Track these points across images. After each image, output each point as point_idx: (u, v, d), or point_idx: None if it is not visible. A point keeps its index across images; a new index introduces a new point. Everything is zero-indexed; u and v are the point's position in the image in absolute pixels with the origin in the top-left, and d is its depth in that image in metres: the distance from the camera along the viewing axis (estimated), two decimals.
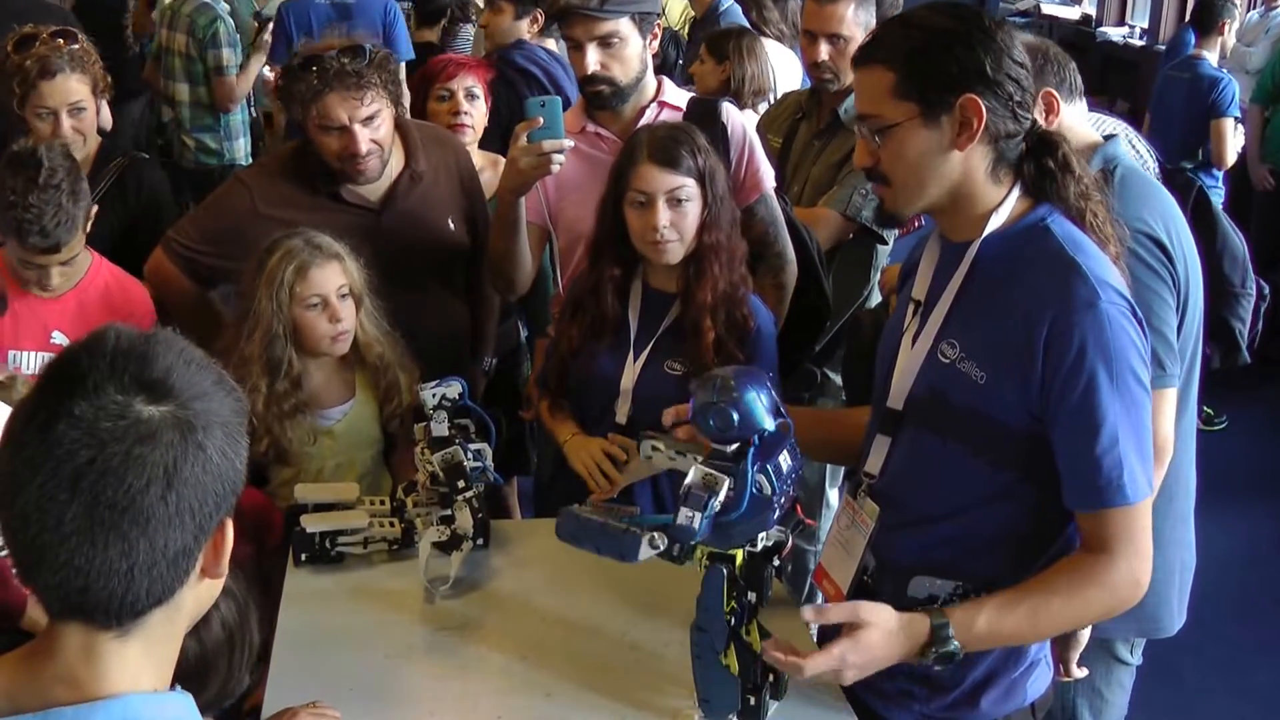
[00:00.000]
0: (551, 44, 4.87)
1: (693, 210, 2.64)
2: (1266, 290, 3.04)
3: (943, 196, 1.92)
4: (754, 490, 1.80)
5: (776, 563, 1.92)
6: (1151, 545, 1.89)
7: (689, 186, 2.63)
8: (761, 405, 1.80)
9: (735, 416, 1.78)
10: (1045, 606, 1.89)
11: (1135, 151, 3.40)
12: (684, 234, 2.65)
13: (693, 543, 1.86)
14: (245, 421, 1.22)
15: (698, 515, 1.78)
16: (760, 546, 1.89)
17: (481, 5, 6.29)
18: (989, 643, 1.92)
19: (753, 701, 1.92)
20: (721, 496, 1.79)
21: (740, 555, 1.88)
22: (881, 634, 1.85)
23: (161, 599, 1.16)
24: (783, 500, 1.85)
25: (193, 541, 1.15)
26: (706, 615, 1.90)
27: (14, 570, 1.16)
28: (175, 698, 1.22)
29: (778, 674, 1.97)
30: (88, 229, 2.93)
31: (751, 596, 1.92)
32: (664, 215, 2.62)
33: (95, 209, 2.99)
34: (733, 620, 1.90)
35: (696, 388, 1.85)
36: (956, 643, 1.86)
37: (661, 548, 1.85)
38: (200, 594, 1.22)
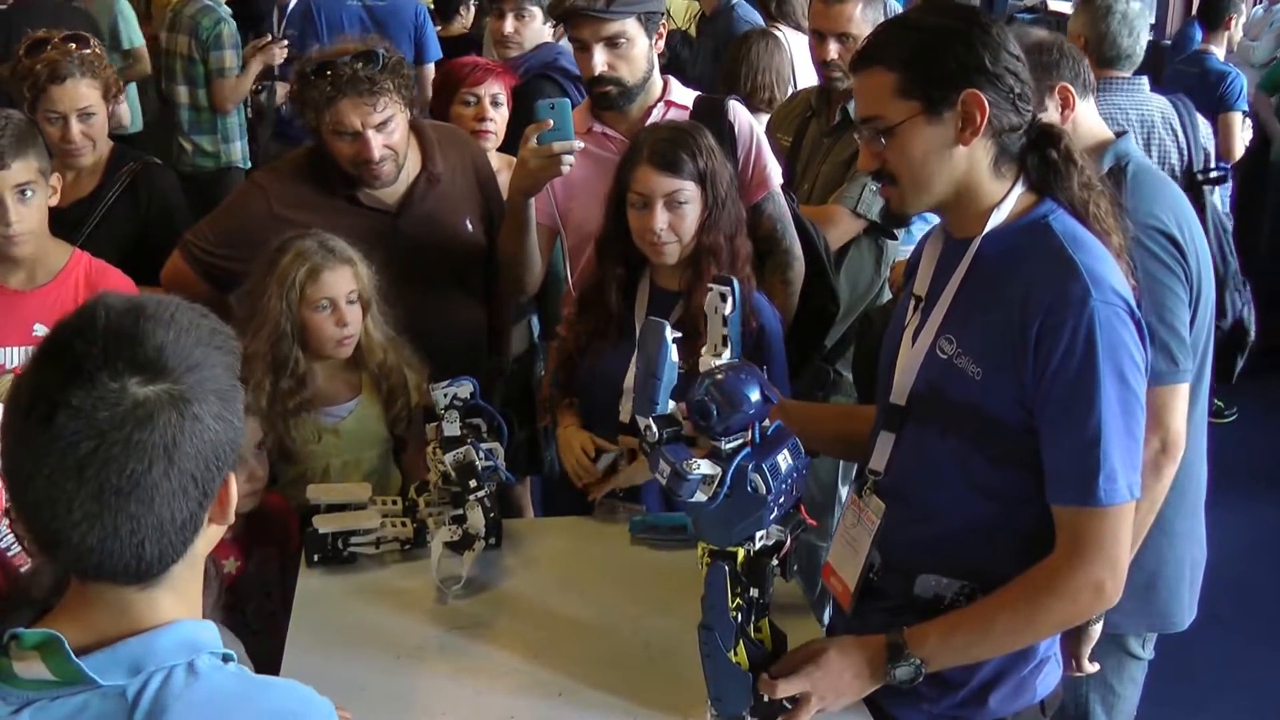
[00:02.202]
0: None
1: (692, 212, 2.65)
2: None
3: (948, 193, 1.93)
4: (750, 489, 1.80)
5: (776, 561, 1.92)
6: (1126, 554, 1.88)
7: (688, 189, 2.64)
8: (742, 393, 1.80)
9: (714, 409, 1.79)
10: (996, 620, 1.91)
11: (1176, 140, 3.48)
12: (682, 235, 2.66)
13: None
14: (238, 372, 1.27)
15: (669, 470, 1.79)
16: (759, 545, 1.89)
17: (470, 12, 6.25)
18: (948, 659, 1.94)
19: (765, 699, 1.92)
20: (706, 482, 1.80)
21: (741, 553, 1.88)
22: (837, 651, 1.94)
23: (175, 559, 1.24)
24: (781, 500, 1.84)
25: (198, 507, 1.22)
26: (712, 613, 1.90)
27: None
28: (211, 624, 1.30)
29: None
30: (51, 194, 2.91)
31: (755, 593, 1.92)
32: (661, 218, 2.63)
33: (58, 178, 2.96)
34: (739, 617, 1.90)
35: (692, 386, 1.85)
36: (917, 659, 1.90)
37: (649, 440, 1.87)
38: (210, 535, 1.29)
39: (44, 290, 2.91)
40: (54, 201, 2.94)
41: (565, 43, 4.79)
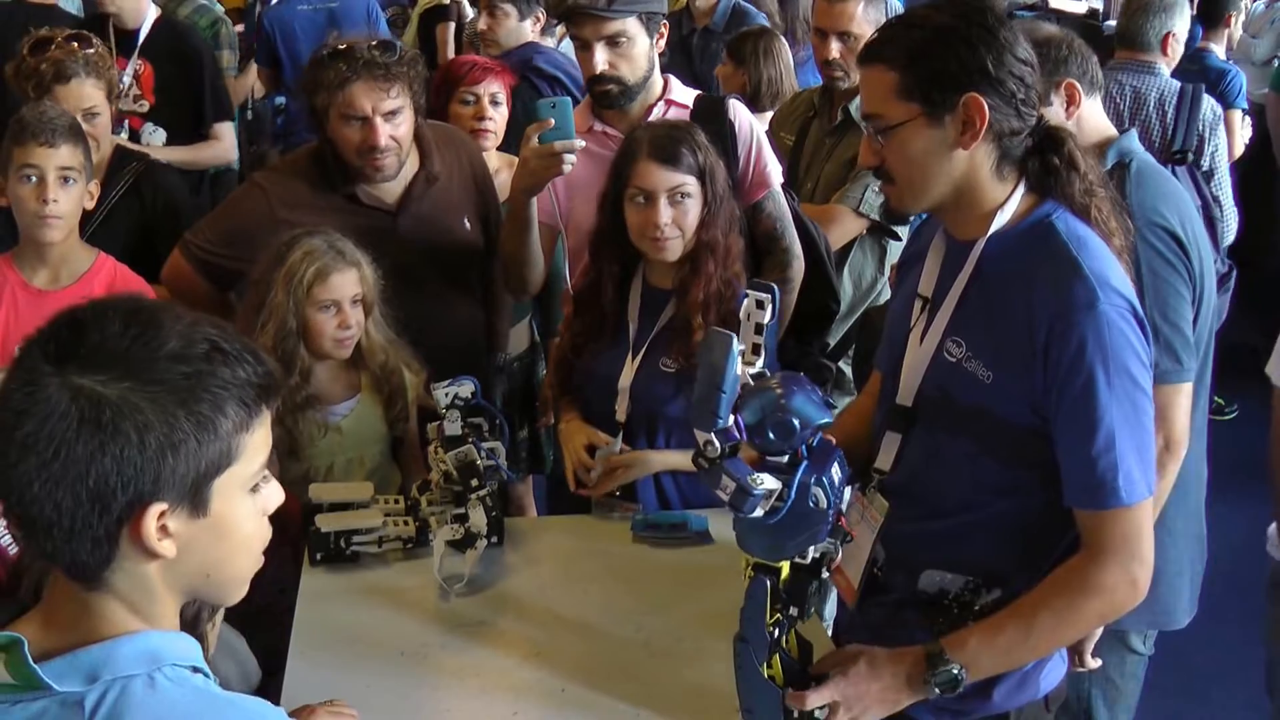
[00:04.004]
0: (550, 42, 4.86)
1: (693, 207, 2.65)
2: None
3: (947, 194, 1.92)
4: (811, 503, 1.77)
5: (826, 574, 1.88)
6: (1152, 547, 1.88)
7: (690, 184, 2.64)
8: (812, 404, 1.77)
9: (796, 423, 1.74)
10: (1036, 621, 1.89)
11: (1163, 119, 3.78)
12: (685, 231, 2.66)
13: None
14: (230, 411, 1.20)
15: (733, 487, 1.73)
16: (810, 558, 1.86)
17: (469, 12, 6.24)
18: (989, 663, 1.92)
19: (796, 714, 1.91)
20: (769, 499, 1.76)
21: (786, 568, 1.86)
22: (868, 662, 1.91)
23: (88, 570, 1.20)
24: (833, 513, 1.81)
25: (93, 516, 1.16)
26: (748, 626, 1.87)
27: None
28: (184, 636, 1.27)
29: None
30: (87, 199, 2.98)
31: (794, 611, 1.89)
32: (665, 213, 2.63)
33: (96, 185, 3.04)
34: (776, 632, 1.88)
35: (741, 407, 1.78)
36: (956, 665, 1.87)
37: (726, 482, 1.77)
38: (169, 570, 1.23)
39: (67, 291, 2.94)
40: (89, 205, 3.01)
41: (549, 41, 4.81)
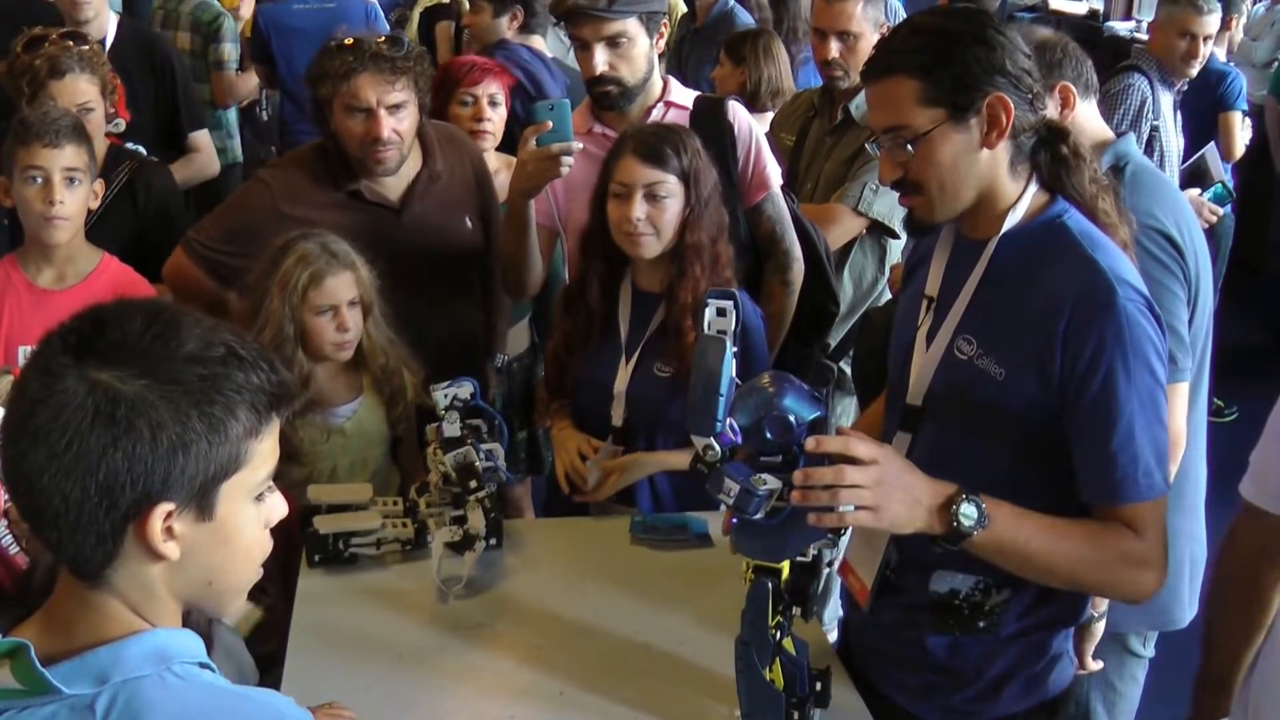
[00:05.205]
0: (538, 41, 4.86)
1: (672, 207, 2.64)
2: None
3: (973, 198, 1.92)
4: None
5: (827, 570, 1.87)
6: (1167, 542, 1.88)
7: (669, 183, 2.63)
8: (804, 400, 1.78)
9: (792, 419, 1.75)
10: (1068, 537, 1.83)
11: None
12: (660, 229, 2.65)
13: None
14: (242, 417, 1.21)
15: (736, 489, 1.73)
16: (810, 556, 1.86)
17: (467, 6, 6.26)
18: (1005, 536, 1.80)
19: (797, 716, 1.90)
20: (770, 499, 1.75)
21: (786, 569, 1.86)
22: (902, 459, 1.83)
23: (90, 566, 1.19)
24: None
25: (100, 511, 1.16)
26: (750, 629, 1.87)
27: None
28: (189, 633, 1.27)
29: (824, 684, 1.97)
30: (92, 198, 2.98)
31: (797, 610, 1.88)
32: (639, 208, 2.62)
33: (101, 185, 3.05)
34: (778, 634, 1.88)
35: (735, 410, 1.79)
36: (981, 505, 1.78)
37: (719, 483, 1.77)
38: (172, 574, 1.23)
39: (72, 291, 2.95)
40: (93, 205, 3.01)
41: (537, 42, 4.80)
